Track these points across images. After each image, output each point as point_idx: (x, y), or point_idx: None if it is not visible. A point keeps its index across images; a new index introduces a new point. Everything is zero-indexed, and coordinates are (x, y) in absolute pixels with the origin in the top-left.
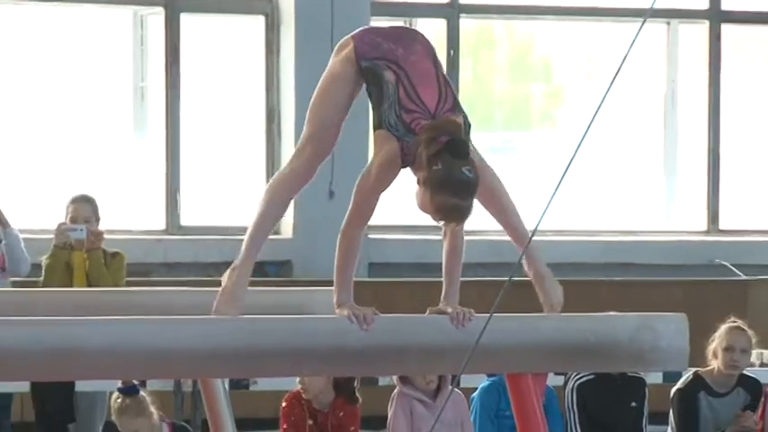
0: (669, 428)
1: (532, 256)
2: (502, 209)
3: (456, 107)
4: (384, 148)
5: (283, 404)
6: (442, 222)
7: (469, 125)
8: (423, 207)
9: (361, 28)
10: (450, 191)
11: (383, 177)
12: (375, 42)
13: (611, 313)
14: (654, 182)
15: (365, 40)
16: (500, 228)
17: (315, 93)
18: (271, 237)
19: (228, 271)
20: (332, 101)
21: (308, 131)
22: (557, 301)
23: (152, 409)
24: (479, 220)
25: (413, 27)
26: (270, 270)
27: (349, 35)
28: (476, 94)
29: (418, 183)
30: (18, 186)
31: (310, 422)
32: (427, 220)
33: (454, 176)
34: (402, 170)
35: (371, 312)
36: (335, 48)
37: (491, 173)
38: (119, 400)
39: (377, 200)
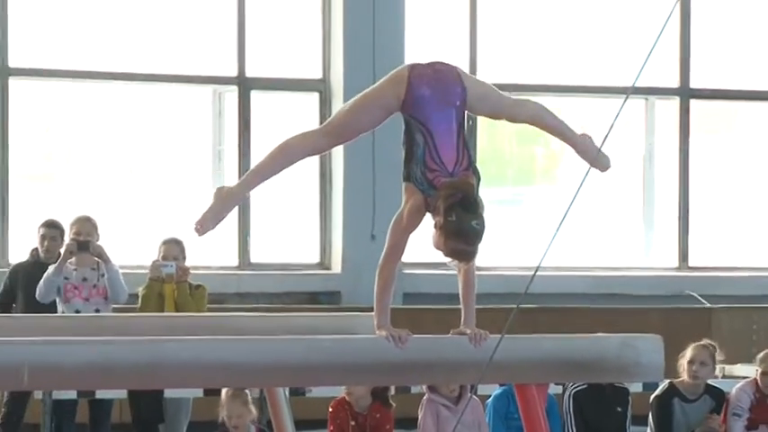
0: (648, 429)
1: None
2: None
3: (470, 166)
4: (411, 199)
5: (330, 409)
6: (451, 261)
7: (479, 177)
8: (437, 246)
9: (417, 67)
10: (462, 239)
11: (411, 222)
12: (421, 99)
13: (600, 335)
14: (635, 227)
15: (415, 91)
16: (509, 264)
17: (358, 97)
18: (323, 272)
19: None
20: (367, 117)
21: (335, 122)
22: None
23: (252, 406)
24: (492, 258)
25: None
26: (322, 299)
27: (407, 69)
28: (490, 155)
29: (435, 227)
30: (118, 229)
31: (353, 423)
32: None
33: (464, 228)
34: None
35: (405, 333)
36: (394, 71)
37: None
38: (230, 391)
39: (406, 241)
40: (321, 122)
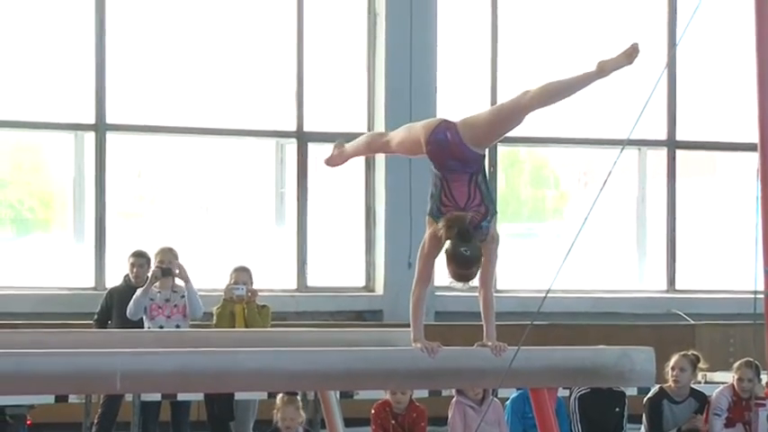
0: (642, 427)
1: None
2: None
3: (483, 201)
4: (430, 229)
5: (372, 411)
6: (452, 282)
7: (494, 211)
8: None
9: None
10: (457, 263)
11: (430, 249)
12: (442, 159)
13: (601, 347)
14: (630, 256)
15: (434, 140)
16: (524, 288)
17: (406, 127)
18: (368, 294)
19: None
20: (406, 146)
21: (393, 136)
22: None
23: (302, 410)
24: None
25: None
26: (367, 317)
27: (436, 122)
28: (508, 196)
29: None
30: (196, 258)
31: (393, 422)
32: (475, 281)
33: (458, 254)
34: None
35: (437, 345)
36: (432, 121)
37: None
38: (284, 397)
39: (432, 265)
40: (366, 169)
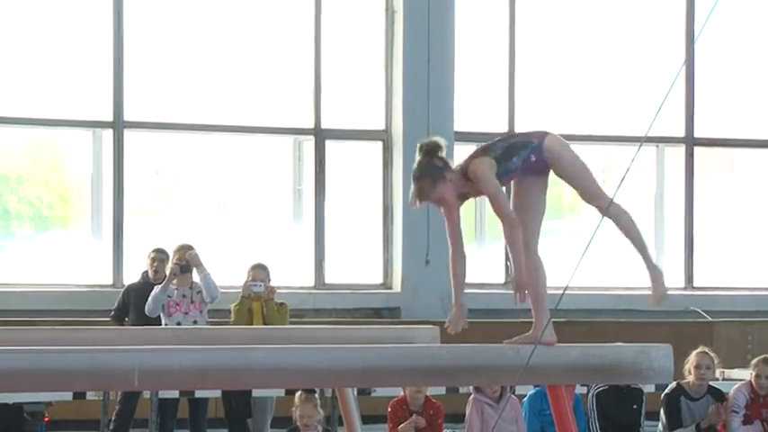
0: (660, 423)
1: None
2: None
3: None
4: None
5: (389, 408)
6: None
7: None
8: None
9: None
10: None
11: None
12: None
13: (619, 344)
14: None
15: None
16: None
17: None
18: (386, 291)
19: None
20: None
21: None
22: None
23: (320, 408)
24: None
25: None
26: (385, 314)
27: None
28: None
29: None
30: (213, 255)
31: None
32: (493, 278)
33: None
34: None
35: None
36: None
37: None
38: (303, 395)
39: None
40: (384, 167)
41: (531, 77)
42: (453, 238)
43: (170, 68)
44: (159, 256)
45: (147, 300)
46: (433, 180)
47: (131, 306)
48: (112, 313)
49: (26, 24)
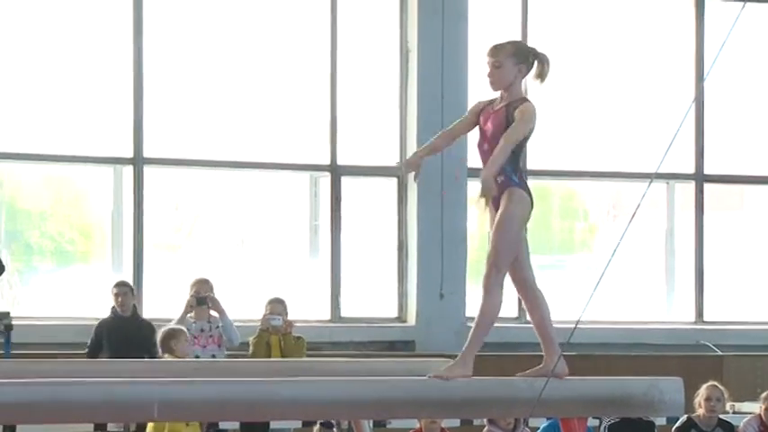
0: None
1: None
2: None
3: None
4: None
5: None
6: None
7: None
8: None
9: None
10: None
11: None
12: None
13: (630, 377)
14: (658, 288)
15: None
16: (554, 319)
17: None
18: (400, 324)
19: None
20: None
21: None
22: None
23: None
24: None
25: None
26: (400, 347)
27: None
28: (538, 228)
29: None
30: (231, 290)
31: None
32: (506, 313)
33: None
34: None
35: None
36: None
37: None
38: (320, 428)
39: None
40: (398, 203)
41: (542, 114)
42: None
43: (189, 106)
44: (122, 289)
45: (119, 334)
46: (518, 66)
47: (105, 341)
48: (86, 350)
49: (48, 63)
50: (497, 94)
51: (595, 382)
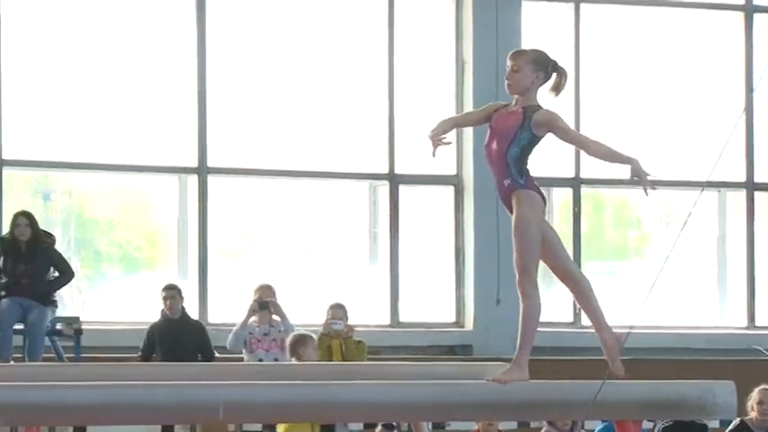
0: None
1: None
2: None
3: None
4: None
5: None
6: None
7: None
8: None
9: None
10: None
11: None
12: None
13: (684, 381)
14: (711, 294)
15: None
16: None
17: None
18: (458, 329)
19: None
20: None
21: None
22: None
23: None
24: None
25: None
26: (458, 351)
27: None
28: (592, 237)
29: None
30: (293, 294)
31: None
32: (561, 318)
33: None
34: None
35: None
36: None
37: None
38: (383, 430)
39: None
40: (455, 210)
41: (595, 124)
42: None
43: (252, 116)
44: (170, 292)
45: (170, 336)
46: (537, 73)
47: (157, 344)
48: (140, 353)
49: (116, 77)
50: (511, 100)
51: (650, 385)
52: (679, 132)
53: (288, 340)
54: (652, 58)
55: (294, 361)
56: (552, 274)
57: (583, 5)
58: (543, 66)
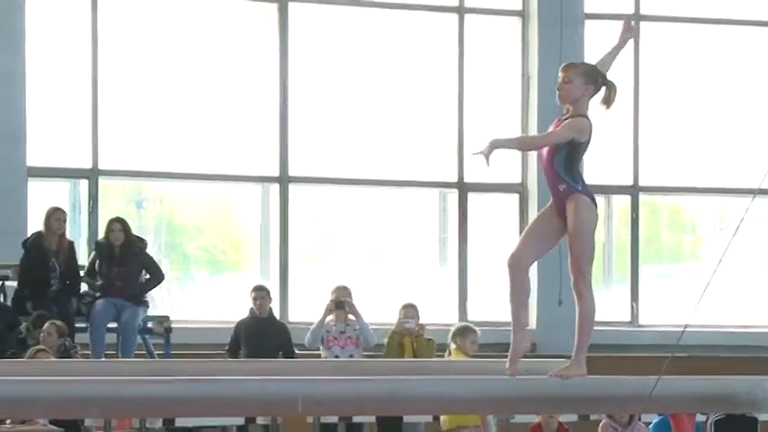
0: None
1: None
2: None
3: None
4: None
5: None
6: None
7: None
8: None
9: None
10: None
11: None
12: None
13: (736, 377)
14: (763, 294)
15: None
16: (665, 323)
17: None
18: None
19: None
20: None
21: None
22: None
23: None
24: (651, 318)
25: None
26: None
27: None
28: (649, 241)
29: None
30: (368, 295)
31: None
32: (619, 317)
33: None
34: None
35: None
36: None
37: None
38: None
39: None
40: (520, 217)
41: (653, 134)
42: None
43: (330, 129)
44: (260, 293)
45: (256, 334)
46: (587, 86)
47: (243, 340)
48: (227, 347)
49: (204, 93)
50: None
51: (702, 381)
52: (733, 142)
53: (451, 330)
54: (708, 71)
55: (453, 347)
56: (611, 277)
57: (643, 23)
58: (593, 79)
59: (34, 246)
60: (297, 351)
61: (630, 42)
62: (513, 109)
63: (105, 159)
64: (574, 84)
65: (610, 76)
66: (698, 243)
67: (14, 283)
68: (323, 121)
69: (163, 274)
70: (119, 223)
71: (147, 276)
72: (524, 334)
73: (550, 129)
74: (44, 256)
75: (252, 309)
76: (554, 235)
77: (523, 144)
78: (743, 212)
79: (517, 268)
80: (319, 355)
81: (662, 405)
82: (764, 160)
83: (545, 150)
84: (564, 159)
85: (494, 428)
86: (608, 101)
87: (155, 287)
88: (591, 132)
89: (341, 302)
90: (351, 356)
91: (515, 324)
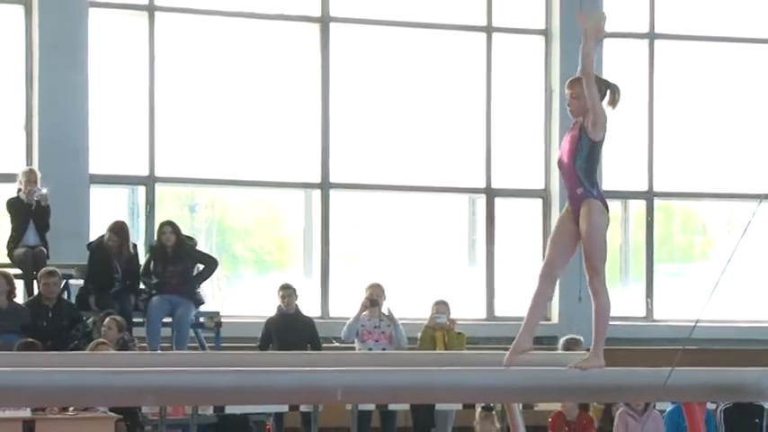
0: None
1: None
2: None
3: None
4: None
5: (549, 420)
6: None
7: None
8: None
9: None
10: None
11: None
12: None
13: (744, 368)
14: None
15: None
16: (677, 317)
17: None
18: (545, 322)
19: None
20: None
21: None
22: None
23: (497, 423)
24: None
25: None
26: (544, 342)
27: None
28: (663, 242)
29: None
30: (402, 292)
31: (566, 429)
32: (635, 312)
33: None
34: None
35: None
36: None
37: None
38: (483, 412)
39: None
40: (543, 220)
41: (667, 141)
42: None
43: (369, 139)
44: (287, 291)
45: (285, 329)
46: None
47: (273, 336)
48: (259, 343)
49: (252, 105)
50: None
51: (713, 372)
52: (741, 151)
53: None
54: (717, 85)
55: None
56: (628, 276)
57: (657, 41)
58: (597, 87)
59: (98, 250)
60: (336, 343)
61: (646, 59)
62: (537, 120)
63: (161, 167)
64: (582, 98)
65: (624, 89)
66: (708, 244)
67: (78, 282)
68: (362, 131)
69: (216, 261)
70: (169, 226)
71: (202, 267)
72: (530, 335)
73: (565, 139)
74: (108, 258)
75: (279, 306)
76: (572, 242)
77: (585, 71)
78: (750, 216)
79: (547, 278)
80: (354, 348)
81: (675, 394)
82: None
83: (566, 156)
84: (584, 162)
85: (519, 415)
86: (614, 102)
87: (211, 275)
88: (606, 127)
89: (375, 300)
90: (383, 350)
91: (526, 323)
